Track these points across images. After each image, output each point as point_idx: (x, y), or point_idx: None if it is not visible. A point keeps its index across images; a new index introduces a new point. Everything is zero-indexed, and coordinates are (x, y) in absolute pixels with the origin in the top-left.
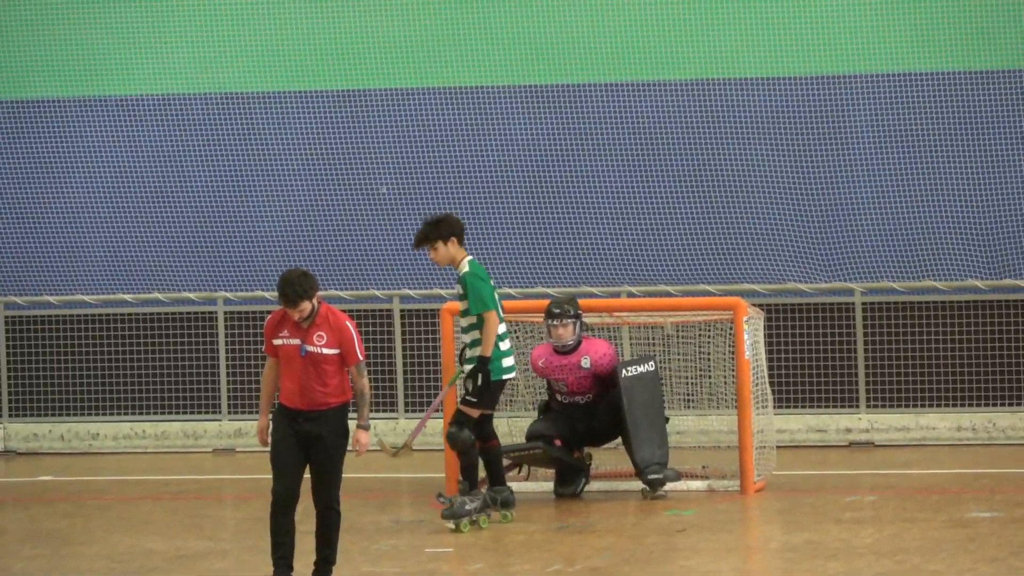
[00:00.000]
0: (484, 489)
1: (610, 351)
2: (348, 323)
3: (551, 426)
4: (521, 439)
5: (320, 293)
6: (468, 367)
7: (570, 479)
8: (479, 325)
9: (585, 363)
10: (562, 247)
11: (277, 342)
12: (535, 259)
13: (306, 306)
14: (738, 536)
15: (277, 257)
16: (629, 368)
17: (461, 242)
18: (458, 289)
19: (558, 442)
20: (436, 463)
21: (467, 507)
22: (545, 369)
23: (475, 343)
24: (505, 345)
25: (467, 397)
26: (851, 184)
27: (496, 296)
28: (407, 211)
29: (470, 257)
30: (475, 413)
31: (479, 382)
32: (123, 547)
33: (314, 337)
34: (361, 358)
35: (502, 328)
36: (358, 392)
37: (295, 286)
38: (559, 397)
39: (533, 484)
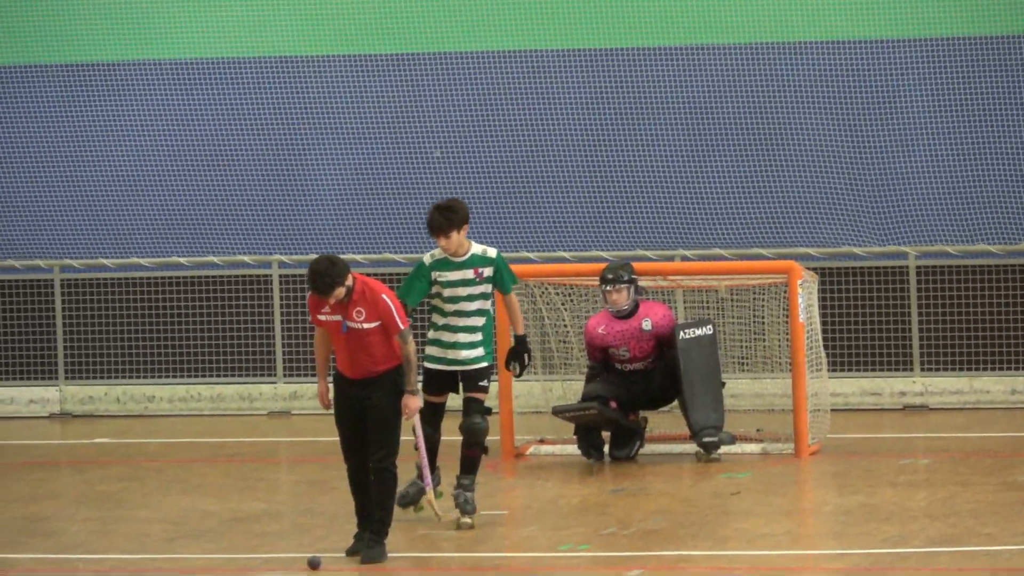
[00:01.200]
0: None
1: (668, 312)
2: (384, 295)
3: (607, 388)
4: (575, 401)
5: (373, 257)
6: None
7: (625, 441)
8: (488, 309)
9: (646, 325)
10: (617, 211)
11: (321, 318)
12: (590, 223)
13: (339, 291)
14: (792, 499)
15: (331, 220)
16: (687, 330)
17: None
18: (462, 275)
19: (613, 404)
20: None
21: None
22: (606, 336)
23: (473, 328)
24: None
25: (482, 384)
26: (905, 147)
27: None
28: (460, 175)
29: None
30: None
31: (527, 361)
32: (178, 509)
33: (353, 313)
34: (403, 327)
35: None
36: (403, 358)
37: (324, 278)
38: (618, 366)
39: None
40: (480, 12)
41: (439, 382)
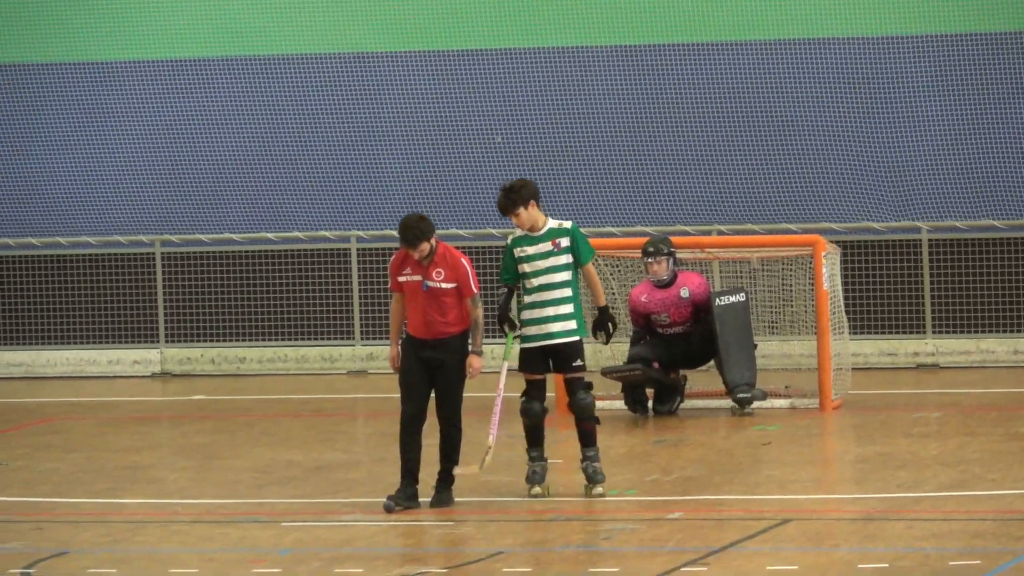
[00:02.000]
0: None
1: (704, 281)
2: (463, 260)
3: (650, 350)
4: (622, 363)
5: (441, 232)
6: (530, 331)
7: (667, 398)
8: (573, 281)
9: (684, 293)
10: (659, 190)
11: (401, 279)
12: (634, 200)
13: (425, 246)
14: (817, 449)
15: (403, 199)
16: (723, 297)
17: (539, 205)
18: (541, 248)
19: (656, 365)
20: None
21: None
22: (648, 304)
23: (560, 301)
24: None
25: (577, 364)
26: (918, 133)
27: None
28: (519, 158)
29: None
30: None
31: (612, 330)
32: (266, 459)
33: (433, 273)
34: (475, 291)
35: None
36: (473, 321)
37: (414, 229)
38: (660, 330)
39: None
40: (533, 12)
41: (535, 359)
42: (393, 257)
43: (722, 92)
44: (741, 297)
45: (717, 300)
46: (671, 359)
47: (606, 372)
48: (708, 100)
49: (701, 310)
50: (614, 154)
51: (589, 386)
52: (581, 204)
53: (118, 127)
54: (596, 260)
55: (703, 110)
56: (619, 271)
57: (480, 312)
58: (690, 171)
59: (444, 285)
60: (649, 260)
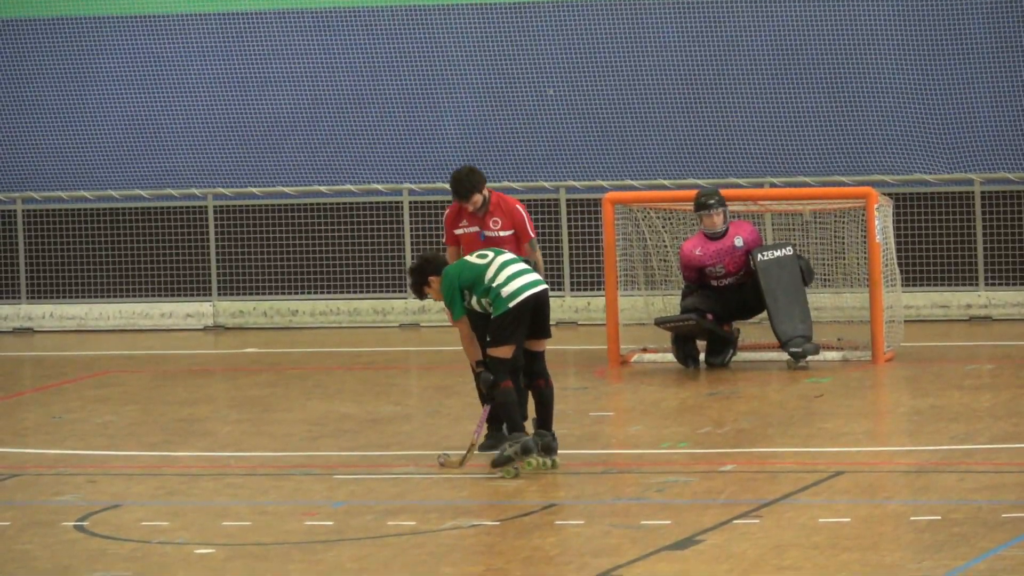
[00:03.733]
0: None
1: (755, 229)
2: (518, 206)
3: (704, 301)
4: (676, 313)
5: (494, 185)
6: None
7: (719, 350)
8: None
9: (738, 242)
10: (712, 143)
11: (458, 232)
12: (687, 154)
13: (477, 198)
14: (869, 401)
15: (455, 152)
16: (765, 252)
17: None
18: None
19: (709, 316)
20: (599, 336)
21: (506, 451)
22: (703, 257)
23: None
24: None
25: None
26: (971, 84)
27: None
28: (571, 111)
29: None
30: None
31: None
32: (319, 412)
33: (490, 223)
34: (533, 235)
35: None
36: (533, 264)
37: (464, 182)
38: (713, 283)
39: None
40: None
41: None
42: (447, 211)
43: (775, 42)
44: (787, 251)
45: (759, 255)
46: (725, 311)
47: (659, 322)
48: (761, 51)
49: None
50: (666, 106)
51: (490, 365)
52: (633, 156)
53: (171, 80)
54: (649, 214)
55: (756, 61)
56: (671, 223)
57: (539, 255)
58: (742, 123)
59: (502, 233)
60: (704, 212)
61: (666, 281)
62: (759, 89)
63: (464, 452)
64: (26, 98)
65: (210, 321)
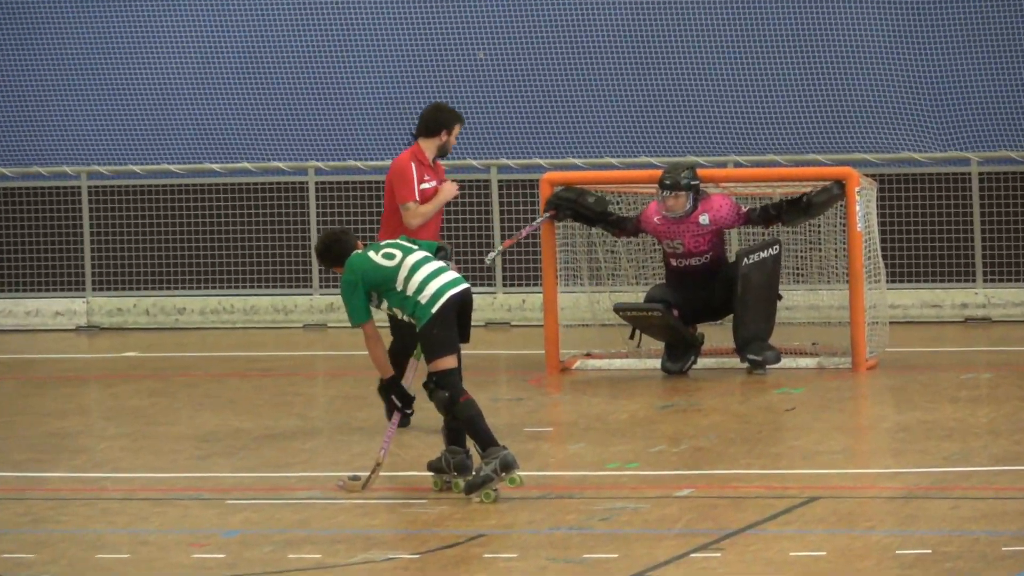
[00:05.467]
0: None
1: (727, 203)
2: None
3: (671, 293)
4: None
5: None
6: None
7: (679, 355)
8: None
9: (704, 220)
10: (667, 115)
11: (425, 186)
12: (639, 127)
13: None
14: (849, 415)
15: (371, 127)
16: (751, 255)
17: None
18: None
19: (676, 312)
20: (536, 339)
21: (482, 472)
22: (659, 227)
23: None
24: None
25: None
26: (967, 48)
27: None
28: (503, 78)
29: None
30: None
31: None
32: (210, 426)
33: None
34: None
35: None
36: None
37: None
38: (673, 262)
39: (636, 361)
40: None
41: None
42: (405, 166)
43: (739, 0)
44: (773, 251)
45: (745, 260)
46: (690, 308)
47: (619, 309)
48: (724, 9)
49: (723, 239)
50: (614, 72)
51: (440, 381)
52: (575, 130)
53: (39, 42)
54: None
55: (718, 21)
56: (620, 208)
57: (411, 220)
58: (703, 92)
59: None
60: (665, 194)
61: (614, 275)
62: (722, 53)
63: (369, 473)
64: None
65: (83, 320)
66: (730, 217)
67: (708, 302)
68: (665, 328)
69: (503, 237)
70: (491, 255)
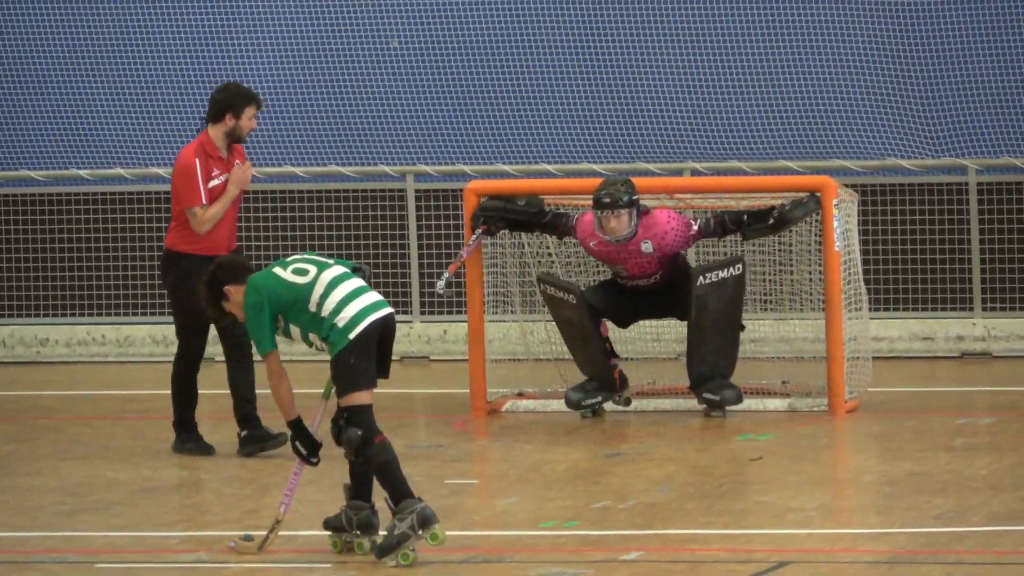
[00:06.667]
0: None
1: (672, 223)
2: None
3: (604, 299)
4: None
5: (318, 170)
6: None
7: (587, 389)
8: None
9: (646, 248)
10: (613, 116)
11: (213, 184)
12: (579, 130)
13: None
14: (825, 466)
15: (269, 126)
16: (708, 274)
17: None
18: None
19: (605, 326)
20: (459, 376)
21: (397, 529)
22: (596, 250)
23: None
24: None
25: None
26: (963, 43)
27: None
28: (421, 70)
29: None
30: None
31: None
32: (77, 477)
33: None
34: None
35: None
36: None
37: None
38: (619, 280)
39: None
40: None
41: None
42: (189, 162)
43: None
44: (736, 270)
45: (700, 279)
46: (637, 312)
47: (542, 279)
48: None
49: (675, 259)
50: (551, 67)
51: (352, 419)
52: (505, 133)
53: None
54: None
55: (670, 10)
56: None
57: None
58: (656, 91)
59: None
60: (603, 213)
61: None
62: (678, 46)
63: (266, 532)
64: None
65: None
66: (678, 241)
67: (657, 308)
68: (578, 332)
69: (420, 256)
70: (440, 283)
